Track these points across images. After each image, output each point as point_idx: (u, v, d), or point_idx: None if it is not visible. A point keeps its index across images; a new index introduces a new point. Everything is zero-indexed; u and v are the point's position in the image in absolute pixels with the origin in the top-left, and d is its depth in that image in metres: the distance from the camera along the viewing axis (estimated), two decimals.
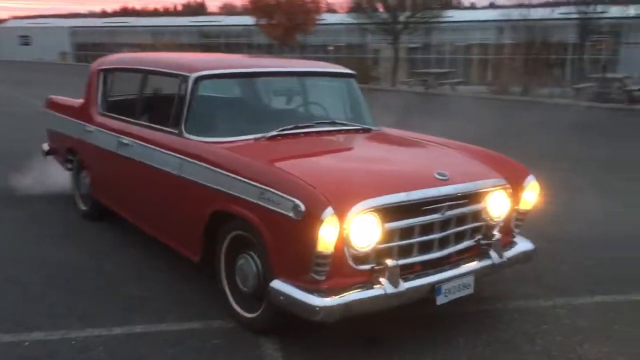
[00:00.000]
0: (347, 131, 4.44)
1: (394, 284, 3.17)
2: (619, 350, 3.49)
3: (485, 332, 3.65)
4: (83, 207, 5.80)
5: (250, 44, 40.39)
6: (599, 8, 24.24)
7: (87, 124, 5.36)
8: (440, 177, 3.48)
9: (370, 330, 3.57)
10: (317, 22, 33.90)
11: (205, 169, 3.74)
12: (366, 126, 4.61)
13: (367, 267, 3.21)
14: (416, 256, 3.41)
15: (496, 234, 3.71)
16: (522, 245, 3.91)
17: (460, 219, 3.59)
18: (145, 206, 4.53)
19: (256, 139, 4.03)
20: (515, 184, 3.84)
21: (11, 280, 4.29)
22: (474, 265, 3.57)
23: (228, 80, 4.46)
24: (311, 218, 3.01)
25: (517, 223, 3.94)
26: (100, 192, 5.31)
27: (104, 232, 5.34)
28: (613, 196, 7.31)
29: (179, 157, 3.98)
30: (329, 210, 2.99)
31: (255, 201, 3.32)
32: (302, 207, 3.04)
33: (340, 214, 3.03)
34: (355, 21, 28.24)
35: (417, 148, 4.37)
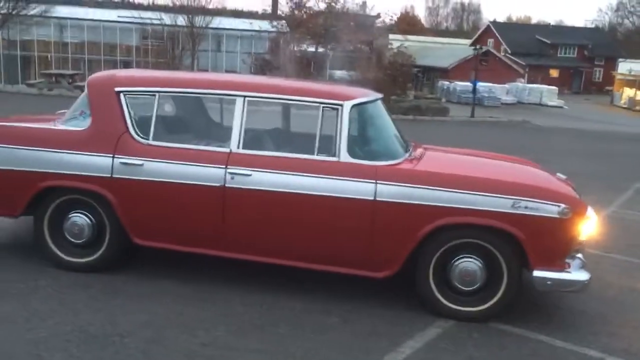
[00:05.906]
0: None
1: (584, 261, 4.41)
2: None
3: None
4: (76, 260, 4.70)
5: None
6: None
7: (123, 156, 4.46)
8: (564, 177, 4.85)
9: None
10: None
11: (422, 190, 4.14)
12: None
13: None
14: None
15: None
16: None
17: None
18: (300, 239, 4.34)
19: (407, 159, 4.55)
20: None
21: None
22: None
23: (365, 106, 4.66)
24: (576, 216, 4.07)
25: None
26: (159, 233, 4.54)
27: (149, 282, 4.60)
28: None
29: (371, 182, 4.16)
30: (590, 209, 4.09)
31: (505, 211, 4.06)
32: (569, 209, 4.02)
33: None
34: None
35: (486, 158, 5.45)
